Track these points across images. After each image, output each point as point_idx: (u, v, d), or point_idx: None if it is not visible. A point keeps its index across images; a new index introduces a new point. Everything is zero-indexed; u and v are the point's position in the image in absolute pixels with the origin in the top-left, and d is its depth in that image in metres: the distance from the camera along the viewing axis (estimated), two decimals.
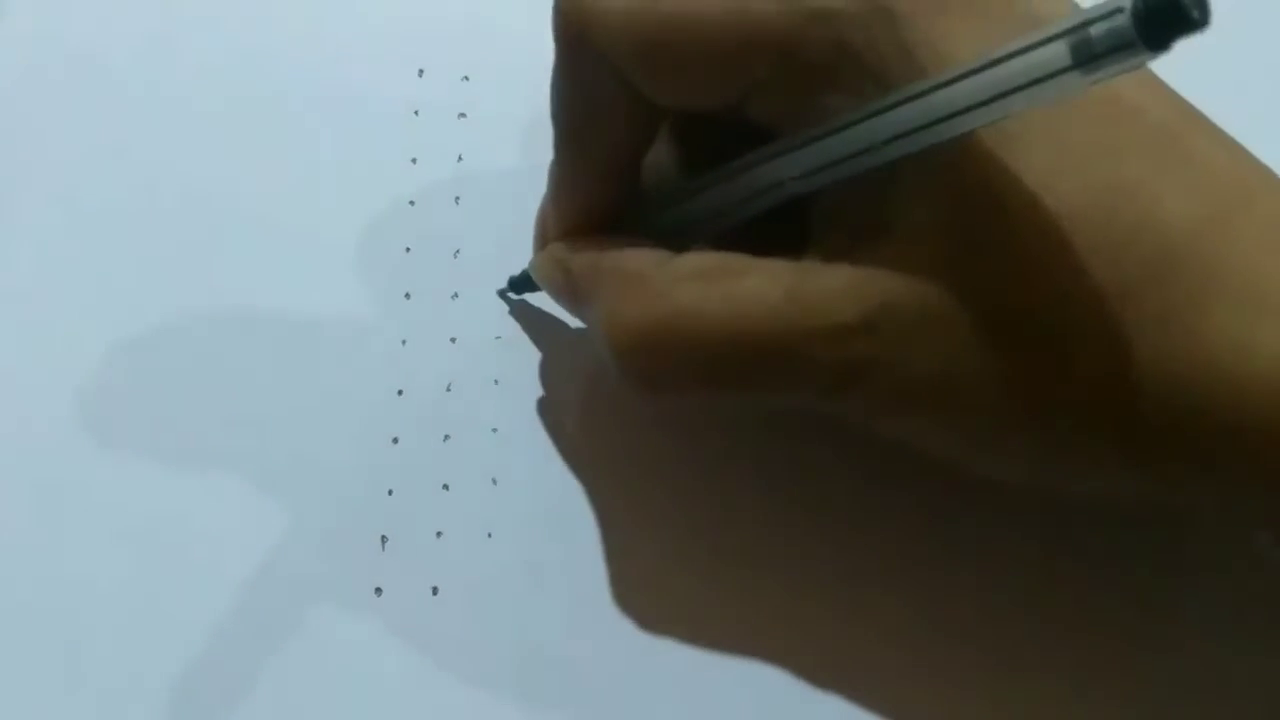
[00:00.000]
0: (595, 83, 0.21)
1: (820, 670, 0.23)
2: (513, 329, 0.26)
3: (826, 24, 0.19)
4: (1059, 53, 0.16)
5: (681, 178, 0.23)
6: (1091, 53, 0.15)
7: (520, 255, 0.27)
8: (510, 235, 0.27)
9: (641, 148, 0.22)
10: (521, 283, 0.26)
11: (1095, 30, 0.15)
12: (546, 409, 0.26)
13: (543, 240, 0.24)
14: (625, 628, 0.24)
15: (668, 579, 0.24)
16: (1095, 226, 0.18)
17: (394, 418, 0.25)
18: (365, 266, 0.27)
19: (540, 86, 0.26)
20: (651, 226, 0.23)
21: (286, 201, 0.27)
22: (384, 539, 0.24)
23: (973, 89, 0.17)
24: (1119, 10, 0.15)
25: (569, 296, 0.23)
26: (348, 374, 0.26)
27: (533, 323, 0.27)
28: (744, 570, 0.24)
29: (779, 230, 0.21)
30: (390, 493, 0.25)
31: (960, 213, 0.19)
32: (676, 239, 0.22)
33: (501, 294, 0.27)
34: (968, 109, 0.17)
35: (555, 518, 0.25)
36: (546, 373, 0.26)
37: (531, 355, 0.26)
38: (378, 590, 0.24)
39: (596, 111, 0.22)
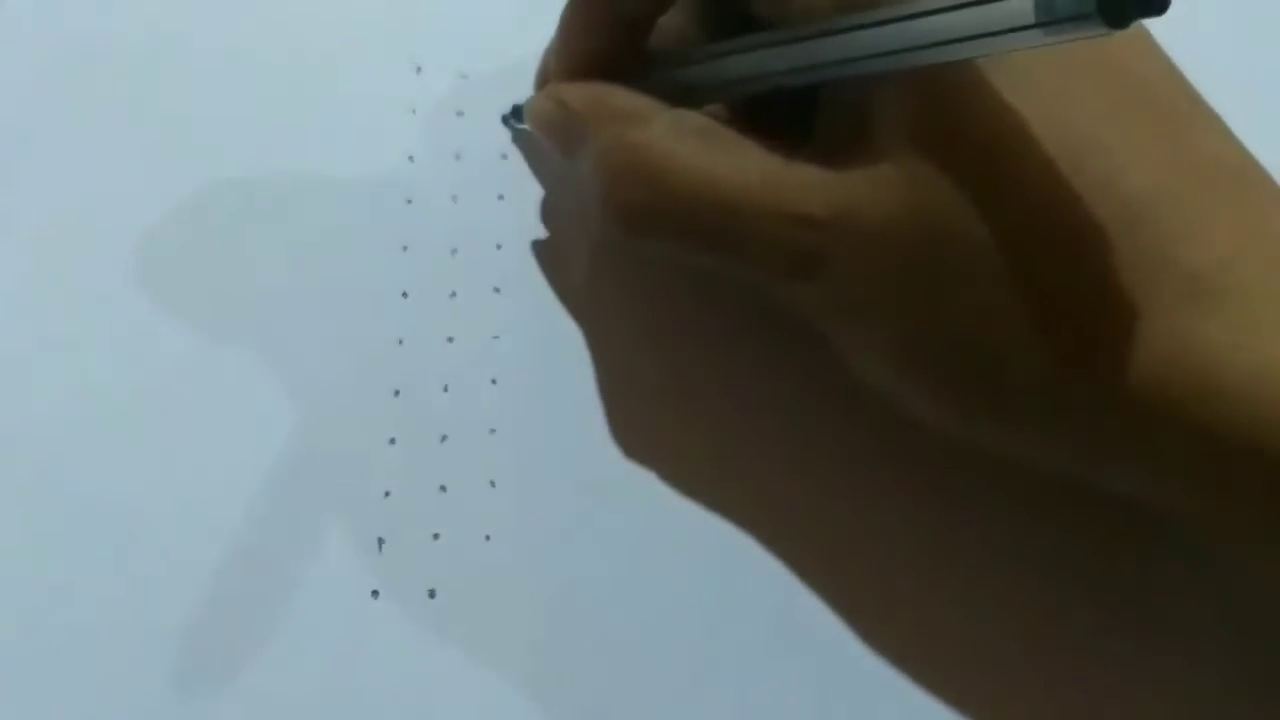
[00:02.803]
0: None
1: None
2: (511, 325, 0.26)
3: None
4: (1024, 9, 0.16)
5: (687, 45, 0.24)
6: (1054, 15, 0.16)
7: (520, 255, 0.27)
8: (508, 234, 0.27)
9: (663, 3, 0.23)
10: (523, 111, 0.27)
11: None
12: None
13: (543, 81, 0.25)
14: (625, 627, 0.24)
15: (668, 579, 0.24)
16: (1058, 176, 0.19)
17: (390, 418, 0.25)
18: (362, 265, 0.27)
19: None
20: (653, 87, 0.23)
21: (285, 200, 0.27)
22: (380, 541, 0.24)
23: (938, 26, 0.18)
24: None
25: (563, 133, 0.23)
26: (344, 374, 0.26)
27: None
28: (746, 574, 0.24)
29: (785, 119, 0.22)
30: (387, 494, 0.25)
31: (933, 136, 0.19)
32: (675, 104, 0.23)
33: (504, 120, 0.27)
34: (929, 45, 0.18)
35: (554, 519, 0.25)
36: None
37: (530, 355, 0.26)
38: (374, 593, 0.24)
39: None
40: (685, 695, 0.23)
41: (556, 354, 0.26)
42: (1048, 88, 0.19)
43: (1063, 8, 0.16)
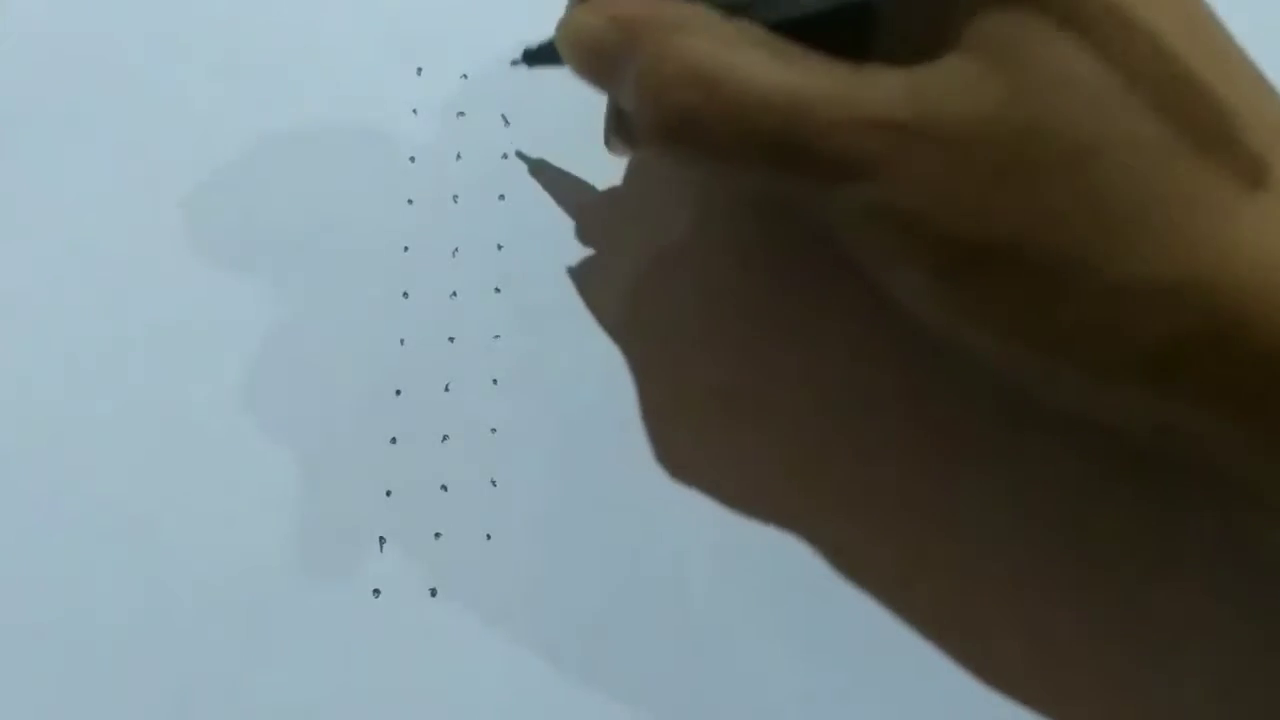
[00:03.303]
0: None
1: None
2: (512, 325, 0.26)
3: None
4: None
5: None
6: None
7: (521, 255, 0.27)
8: (510, 234, 0.27)
9: None
10: (539, 54, 0.25)
11: None
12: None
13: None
14: (625, 627, 0.24)
15: (668, 578, 0.24)
16: (1148, 91, 0.18)
17: (392, 418, 0.25)
18: (363, 265, 0.27)
19: (539, 85, 0.26)
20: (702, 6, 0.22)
21: (285, 200, 0.27)
22: (382, 540, 0.24)
23: None
24: None
25: (606, 53, 0.22)
26: (345, 374, 0.26)
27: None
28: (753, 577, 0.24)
29: (838, 46, 0.21)
30: (388, 494, 0.25)
31: (1019, 40, 0.18)
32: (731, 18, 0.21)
33: (514, 64, 0.25)
34: None
35: (555, 519, 0.25)
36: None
37: (531, 354, 0.26)
38: (376, 592, 0.24)
39: None
40: (686, 694, 0.23)
41: (557, 353, 0.26)
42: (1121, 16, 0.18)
43: None
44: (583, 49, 0.22)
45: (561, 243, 0.27)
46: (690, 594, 0.24)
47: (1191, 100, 0.18)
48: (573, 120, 0.28)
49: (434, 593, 0.24)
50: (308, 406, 0.25)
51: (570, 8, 0.23)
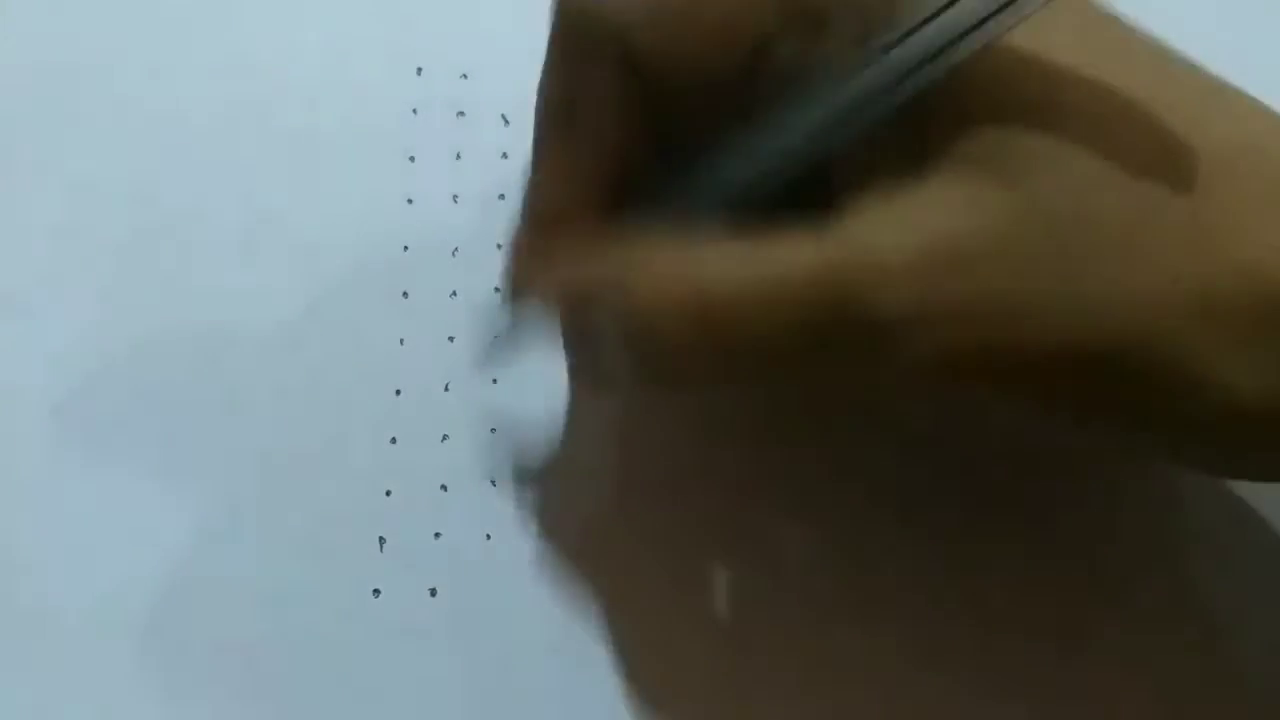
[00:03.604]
0: (595, 58, 0.20)
1: None
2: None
3: None
4: None
5: (666, 167, 0.21)
6: None
7: None
8: (509, 233, 0.27)
9: (633, 132, 0.21)
10: (498, 343, 0.24)
11: None
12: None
13: (518, 254, 0.22)
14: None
15: (669, 578, 0.24)
16: (1142, 135, 0.18)
17: (392, 418, 0.25)
18: (363, 265, 0.27)
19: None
20: (644, 220, 0.21)
21: (285, 200, 0.27)
22: (382, 540, 0.24)
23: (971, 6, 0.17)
24: None
25: (564, 298, 0.21)
26: (345, 373, 0.26)
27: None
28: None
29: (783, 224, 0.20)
30: (388, 493, 0.25)
31: (1010, 131, 0.18)
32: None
33: (484, 367, 0.24)
34: (972, 28, 0.17)
35: None
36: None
37: (531, 354, 0.26)
38: (376, 591, 0.24)
39: (595, 100, 0.20)
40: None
41: (557, 353, 0.26)
42: (1065, 44, 0.18)
43: None
44: (534, 295, 0.21)
45: None
46: (690, 602, 0.24)
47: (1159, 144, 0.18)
48: None
49: (434, 592, 0.24)
50: (308, 406, 0.25)
51: (505, 280, 0.22)
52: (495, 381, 0.26)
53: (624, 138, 0.21)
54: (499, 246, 0.27)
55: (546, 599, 0.24)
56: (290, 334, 0.26)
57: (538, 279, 0.21)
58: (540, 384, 0.26)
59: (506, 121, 0.28)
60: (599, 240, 0.20)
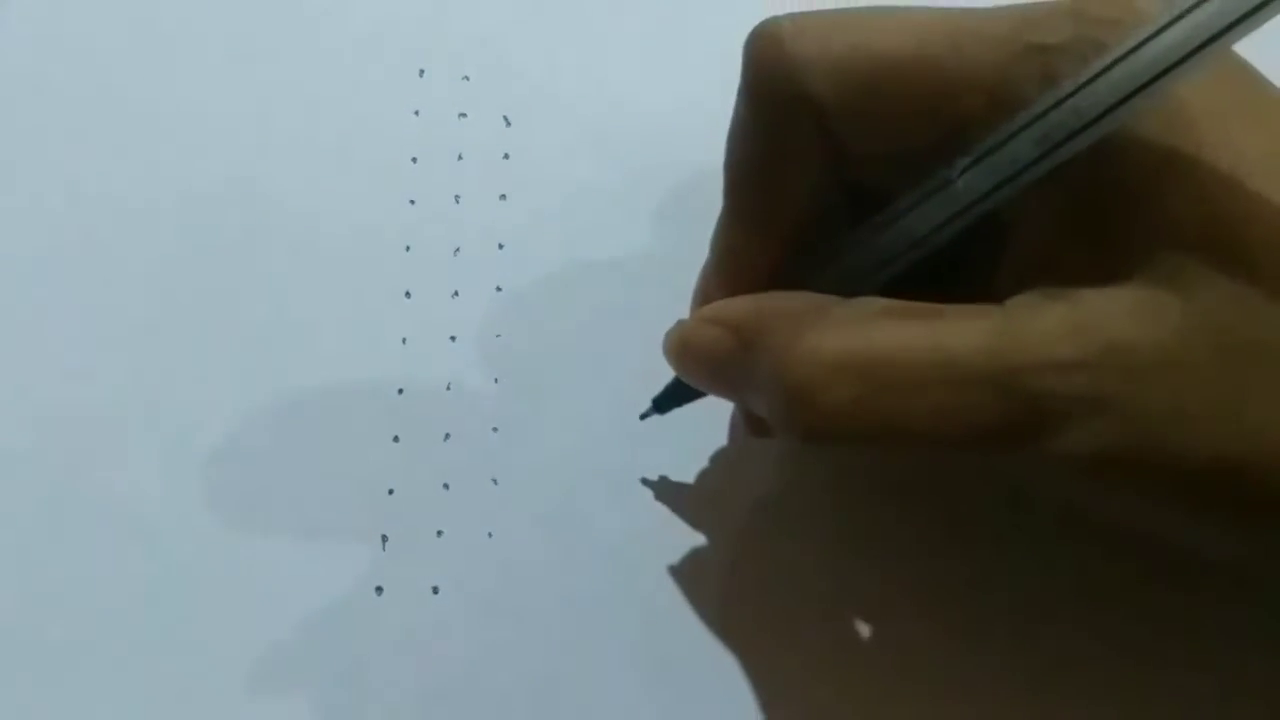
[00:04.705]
0: (788, 130, 0.20)
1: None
2: (513, 324, 0.26)
3: (1039, 58, 0.18)
4: None
5: (844, 230, 0.21)
6: None
7: (522, 254, 0.27)
8: (511, 234, 0.27)
9: (824, 201, 0.21)
10: (669, 397, 0.24)
11: None
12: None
13: (704, 297, 0.22)
14: (625, 625, 0.24)
15: (669, 576, 0.24)
16: None
17: (394, 417, 0.25)
18: (365, 265, 0.27)
19: (540, 85, 0.26)
20: (812, 285, 0.21)
21: (287, 200, 0.27)
22: (384, 538, 0.24)
23: (1174, 39, 0.17)
24: None
25: (725, 362, 0.21)
26: (348, 373, 0.26)
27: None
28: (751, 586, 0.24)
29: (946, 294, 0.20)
30: (391, 492, 0.25)
31: (1195, 252, 0.18)
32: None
33: (644, 417, 0.24)
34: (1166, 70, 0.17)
35: (555, 517, 0.25)
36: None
37: (531, 353, 0.26)
38: (378, 589, 0.24)
39: (787, 162, 0.20)
40: (686, 693, 0.23)
41: (558, 352, 0.26)
42: (1259, 156, 0.18)
43: None
44: (698, 363, 0.22)
45: (562, 242, 0.27)
46: (691, 591, 0.24)
47: None
48: (574, 121, 0.28)
49: (436, 590, 0.24)
50: (310, 405, 0.25)
51: (675, 326, 0.22)
52: (497, 381, 0.26)
53: (814, 197, 0.21)
54: (500, 246, 0.27)
55: (548, 597, 0.24)
56: (292, 333, 0.26)
57: (720, 321, 0.21)
58: (543, 383, 0.26)
59: (508, 123, 0.28)
60: (780, 292, 0.21)
